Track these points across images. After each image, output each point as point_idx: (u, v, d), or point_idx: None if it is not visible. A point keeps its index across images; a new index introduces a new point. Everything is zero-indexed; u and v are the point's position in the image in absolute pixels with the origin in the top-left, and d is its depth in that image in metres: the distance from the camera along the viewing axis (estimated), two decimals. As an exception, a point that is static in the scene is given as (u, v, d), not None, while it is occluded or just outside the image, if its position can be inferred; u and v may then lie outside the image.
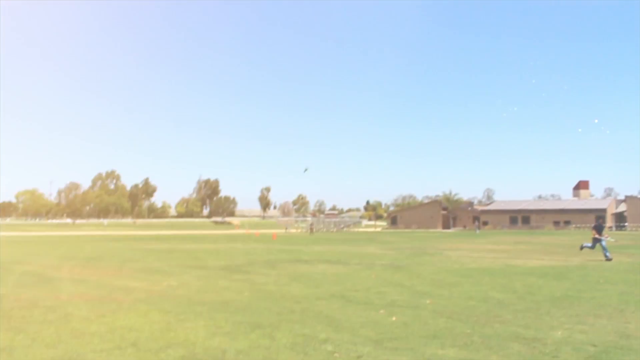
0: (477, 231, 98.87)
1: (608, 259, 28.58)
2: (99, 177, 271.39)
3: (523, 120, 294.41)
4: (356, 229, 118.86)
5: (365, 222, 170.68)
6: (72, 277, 20.42)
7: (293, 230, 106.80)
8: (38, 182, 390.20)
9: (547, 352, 10.05)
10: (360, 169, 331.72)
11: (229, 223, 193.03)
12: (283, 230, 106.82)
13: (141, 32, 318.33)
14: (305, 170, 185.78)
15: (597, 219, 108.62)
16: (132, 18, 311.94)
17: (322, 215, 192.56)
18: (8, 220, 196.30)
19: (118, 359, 9.57)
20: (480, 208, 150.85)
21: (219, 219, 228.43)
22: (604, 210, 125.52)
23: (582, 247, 32.17)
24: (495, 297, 15.76)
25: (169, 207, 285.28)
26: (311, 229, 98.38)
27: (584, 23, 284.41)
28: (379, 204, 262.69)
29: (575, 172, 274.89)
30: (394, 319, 12.61)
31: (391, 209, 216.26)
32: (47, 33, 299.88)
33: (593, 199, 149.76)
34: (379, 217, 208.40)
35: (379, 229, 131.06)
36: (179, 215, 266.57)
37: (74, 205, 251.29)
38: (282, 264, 26.41)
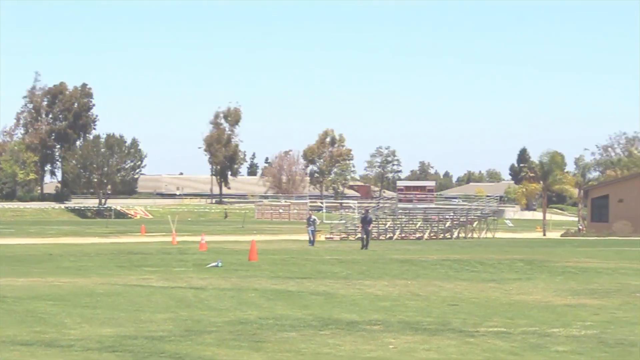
0: None
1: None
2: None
3: None
4: (485, 233, 57.66)
5: (513, 211, 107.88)
6: None
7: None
8: None
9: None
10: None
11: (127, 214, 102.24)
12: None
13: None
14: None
15: None
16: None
17: (386, 196, 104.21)
18: None
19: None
20: None
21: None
22: None
23: None
24: None
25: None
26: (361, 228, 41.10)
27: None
28: (560, 157, 76.09)
29: None
30: None
31: (592, 174, 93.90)
32: None
33: None
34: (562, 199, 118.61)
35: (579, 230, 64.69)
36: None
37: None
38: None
